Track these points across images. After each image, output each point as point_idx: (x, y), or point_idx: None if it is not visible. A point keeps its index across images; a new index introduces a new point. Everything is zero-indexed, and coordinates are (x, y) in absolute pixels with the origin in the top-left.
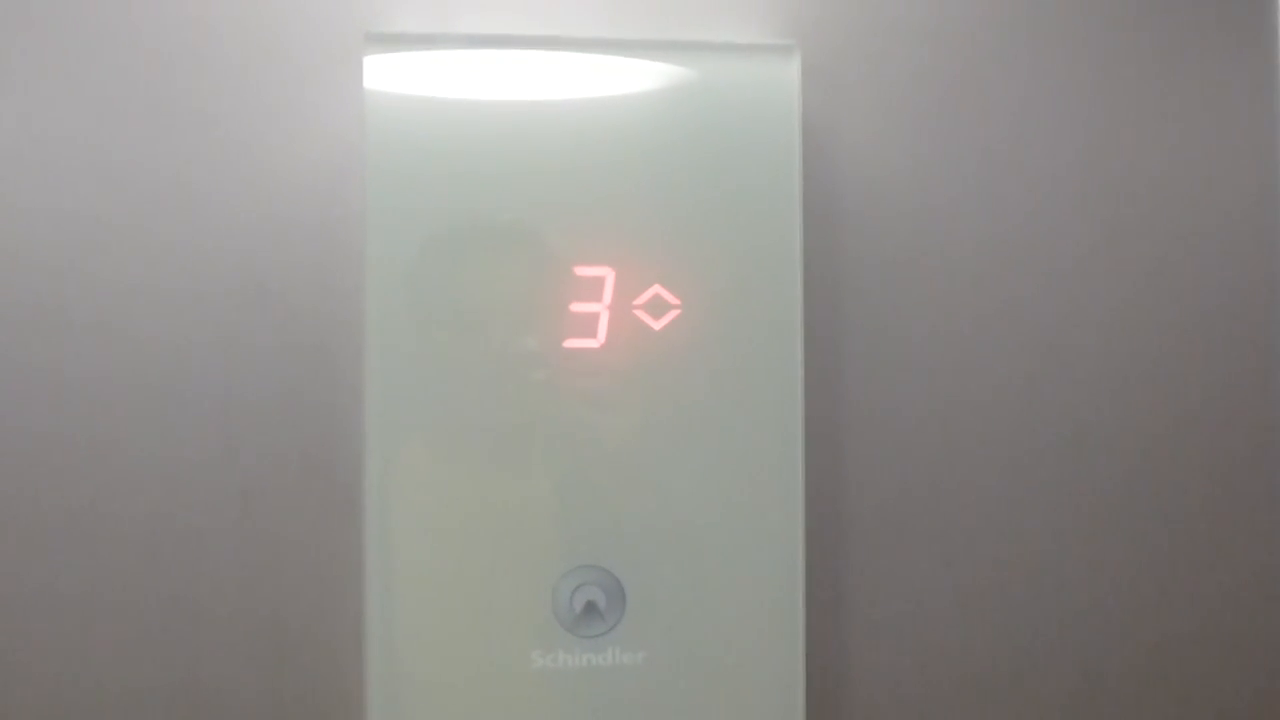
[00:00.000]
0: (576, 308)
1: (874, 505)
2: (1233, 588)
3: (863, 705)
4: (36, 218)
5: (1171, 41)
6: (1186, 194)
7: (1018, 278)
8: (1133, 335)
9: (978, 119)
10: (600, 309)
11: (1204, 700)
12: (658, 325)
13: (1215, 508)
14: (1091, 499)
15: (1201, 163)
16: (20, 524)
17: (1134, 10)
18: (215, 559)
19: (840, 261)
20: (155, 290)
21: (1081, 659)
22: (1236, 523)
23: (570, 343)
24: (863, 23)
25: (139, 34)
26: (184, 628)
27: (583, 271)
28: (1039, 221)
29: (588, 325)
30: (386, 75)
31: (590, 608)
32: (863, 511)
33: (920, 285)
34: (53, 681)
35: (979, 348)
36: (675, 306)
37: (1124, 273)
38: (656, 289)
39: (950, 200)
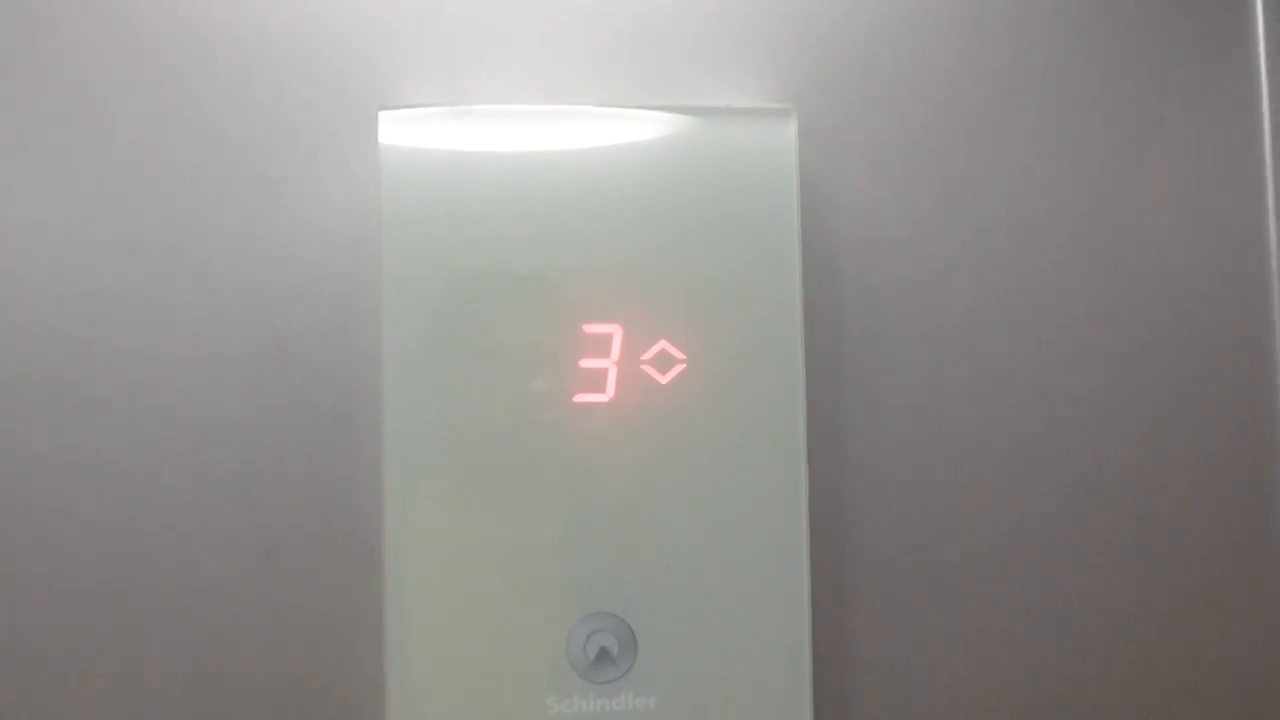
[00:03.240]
0: (586, 364)
1: (880, 552)
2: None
3: None
4: (63, 289)
5: (1168, 93)
6: (1186, 248)
7: (1018, 332)
8: (1140, 364)
9: (973, 176)
10: (609, 364)
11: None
12: (664, 379)
13: (1230, 528)
14: (1105, 531)
15: (1199, 213)
16: (51, 585)
17: (1128, 68)
18: (239, 616)
19: (841, 316)
20: (178, 356)
21: (1094, 693)
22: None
23: (580, 397)
24: (858, 85)
25: (162, 110)
26: (210, 683)
27: (591, 329)
28: (1038, 276)
29: (597, 380)
30: (400, 140)
31: (603, 654)
32: (868, 558)
33: (920, 340)
34: None
35: (983, 402)
36: (681, 361)
37: (1126, 304)
38: (663, 344)
39: (948, 256)
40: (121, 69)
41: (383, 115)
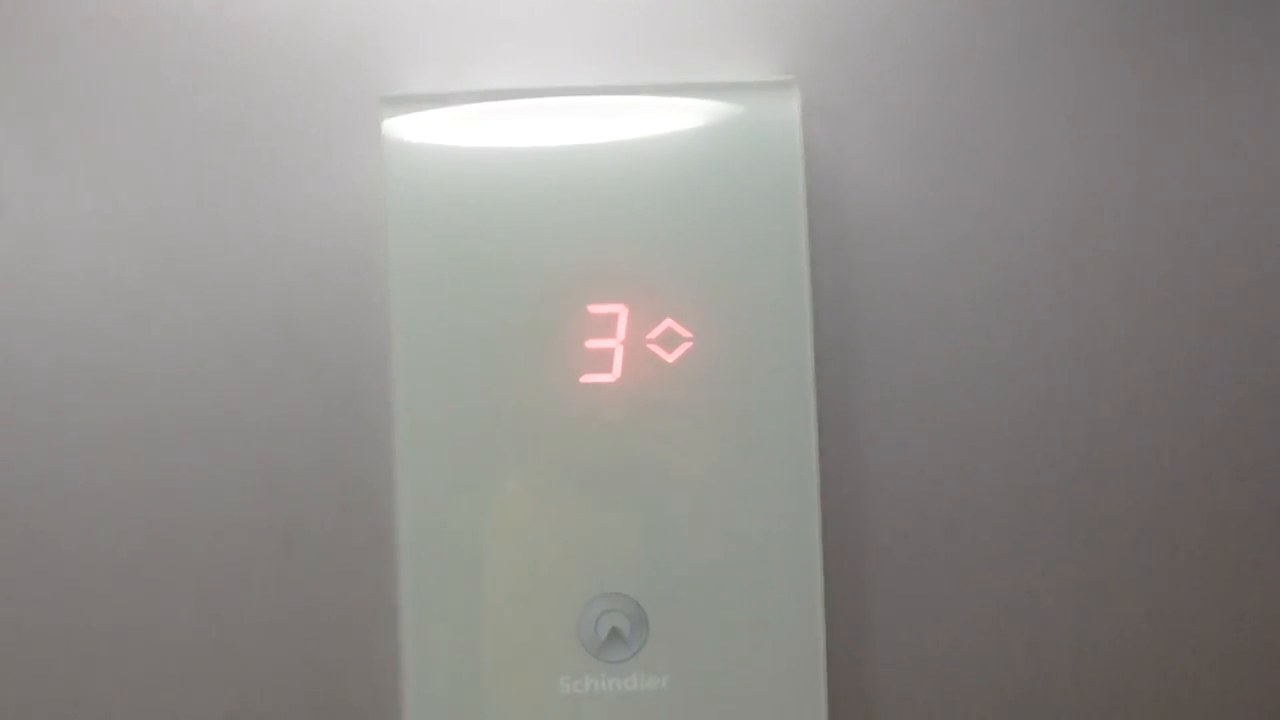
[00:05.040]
0: (592, 344)
1: (892, 528)
2: (1267, 603)
3: None
4: (86, 286)
5: (1175, 57)
6: (1198, 206)
7: (1031, 298)
8: (1154, 348)
9: (985, 148)
10: (615, 344)
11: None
12: (671, 358)
13: (1244, 517)
14: (1118, 517)
15: (1222, 180)
16: (77, 567)
17: (1147, 33)
18: (258, 597)
19: (851, 291)
20: (196, 350)
21: (1110, 679)
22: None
23: (587, 378)
24: (865, 56)
25: (171, 111)
26: (230, 661)
27: (596, 310)
28: (1050, 242)
29: (604, 361)
30: (403, 130)
31: (614, 634)
32: (881, 534)
33: (931, 309)
34: (107, 713)
35: (996, 369)
36: (687, 339)
37: (1140, 287)
38: (668, 323)
39: (960, 231)
40: (132, 75)
41: (385, 105)
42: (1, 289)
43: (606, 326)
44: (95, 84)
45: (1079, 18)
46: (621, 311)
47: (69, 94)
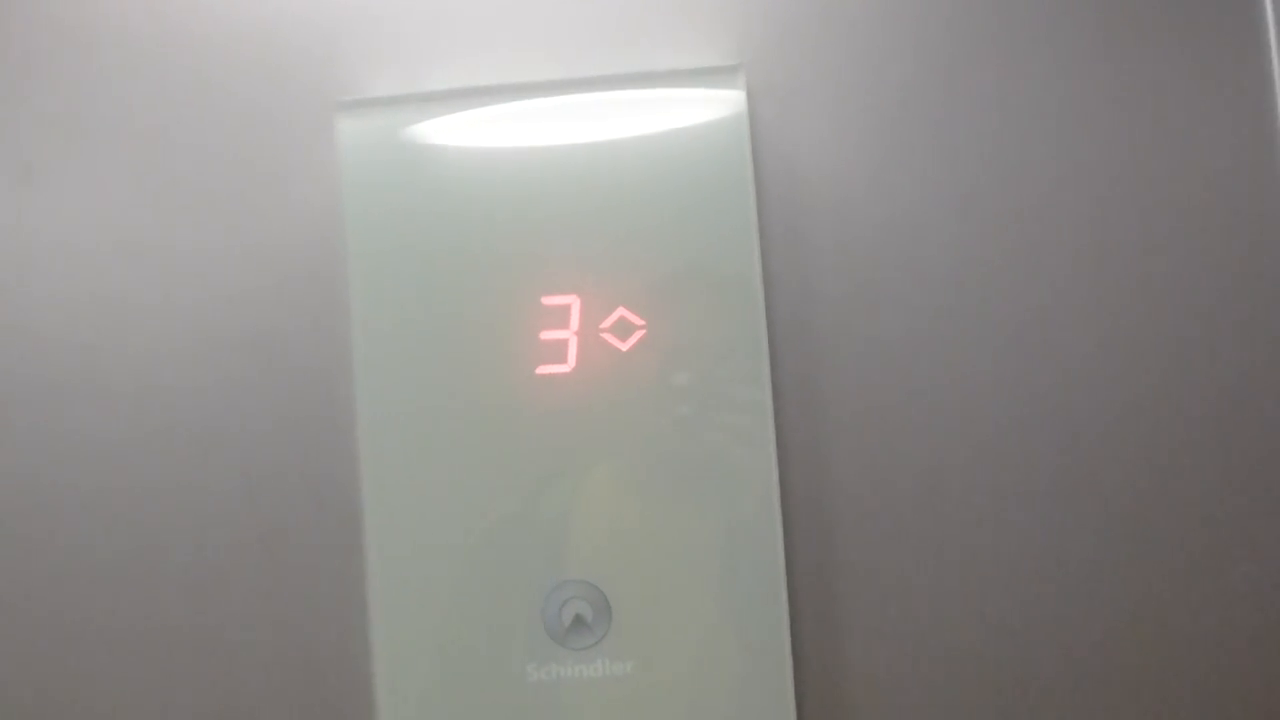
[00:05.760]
0: (546, 335)
1: (854, 511)
2: (1244, 587)
3: (853, 708)
4: (65, 296)
5: (1140, 31)
6: (1158, 182)
7: (989, 278)
8: (1121, 327)
9: (934, 122)
10: (569, 335)
11: (1211, 700)
12: (625, 346)
13: (1228, 507)
14: (1089, 495)
15: (1179, 156)
16: (67, 569)
17: (1097, 4)
18: (239, 596)
19: (804, 270)
20: (171, 356)
21: (1079, 658)
22: (1246, 521)
23: (543, 369)
24: (810, 37)
25: (145, 129)
26: (211, 656)
27: (550, 300)
28: (1006, 221)
29: (558, 351)
30: (357, 133)
31: (578, 621)
32: (843, 519)
33: (886, 291)
34: (94, 708)
35: (955, 351)
36: (640, 327)
37: (1106, 266)
38: (621, 311)
39: (916, 213)
40: (102, 91)
41: (340, 109)
42: None
43: (560, 318)
44: (68, 101)
45: None
46: (574, 302)
47: (43, 112)
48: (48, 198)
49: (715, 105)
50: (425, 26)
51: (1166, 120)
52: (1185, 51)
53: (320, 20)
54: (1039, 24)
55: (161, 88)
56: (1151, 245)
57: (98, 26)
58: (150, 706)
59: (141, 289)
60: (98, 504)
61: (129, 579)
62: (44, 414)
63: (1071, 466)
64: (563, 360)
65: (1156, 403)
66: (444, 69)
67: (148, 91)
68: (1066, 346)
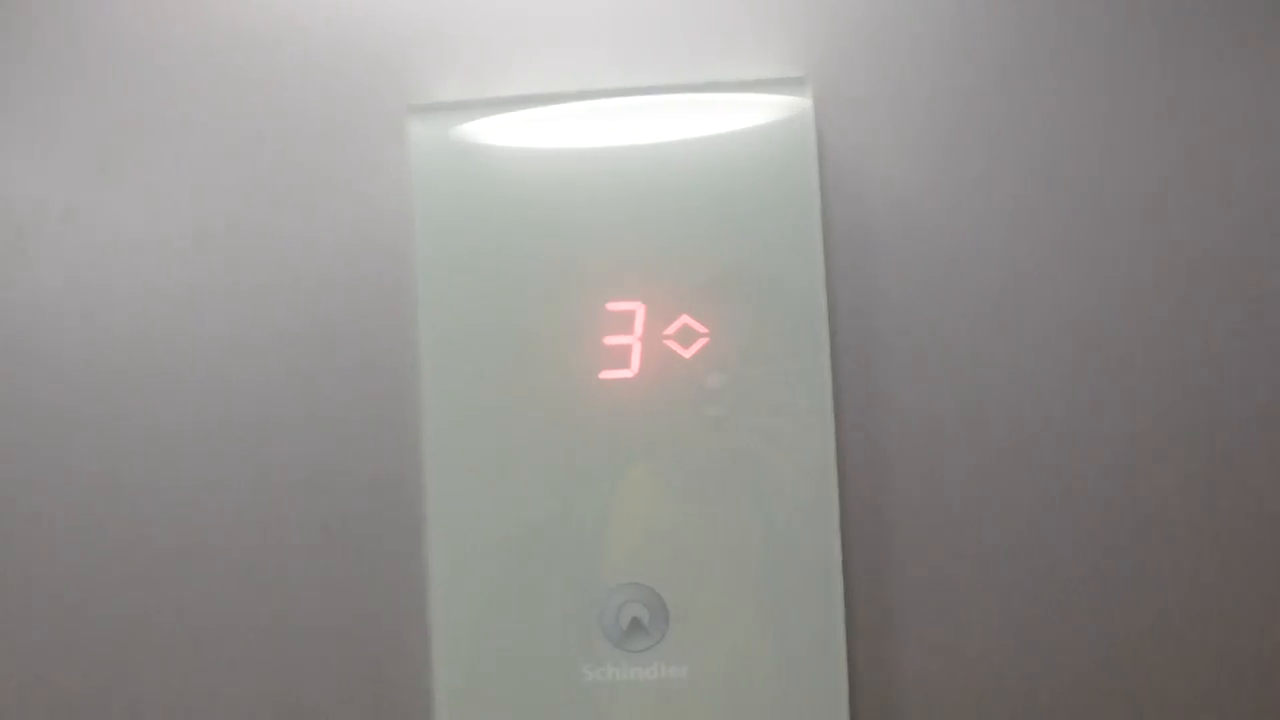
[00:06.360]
0: (611, 340)
1: (913, 520)
2: None
3: (906, 711)
4: (143, 290)
5: (1203, 45)
6: (1225, 198)
7: (1053, 290)
8: (1181, 342)
9: (999, 132)
10: (633, 341)
11: (1272, 712)
12: (688, 353)
13: (1273, 511)
14: (1145, 511)
15: (1241, 167)
16: (132, 559)
17: (1161, 20)
18: (301, 586)
19: (867, 279)
20: (242, 348)
21: (1136, 677)
22: None
23: (606, 374)
24: (877, 48)
25: (215, 123)
26: (271, 648)
27: (615, 306)
28: (1071, 233)
29: (622, 356)
30: (429, 137)
31: (635, 624)
32: (901, 526)
33: (948, 296)
34: (159, 699)
35: (1018, 363)
36: (704, 335)
37: (1166, 279)
38: (685, 319)
39: (976, 215)
40: (179, 92)
41: (412, 113)
42: (69, 292)
43: (624, 323)
44: (143, 101)
45: (1102, 5)
46: (639, 308)
47: (119, 111)
48: (122, 195)
49: (781, 115)
50: (495, 33)
51: (1224, 131)
52: (1243, 62)
53: (393, 25)
54: (1099, 35)
55: (235, 89)
56: (1208, 255)
57: (174, 30)
58: (212, 700)
59: (211, 285)
60: (164, 495)
61: (192, 571)
62: (114, 406)
63: (1130, 477)
64: (626, 366)
65: (1215, 412)
66: (513, 75)
67: (221, 92)
68: (1128, 356)
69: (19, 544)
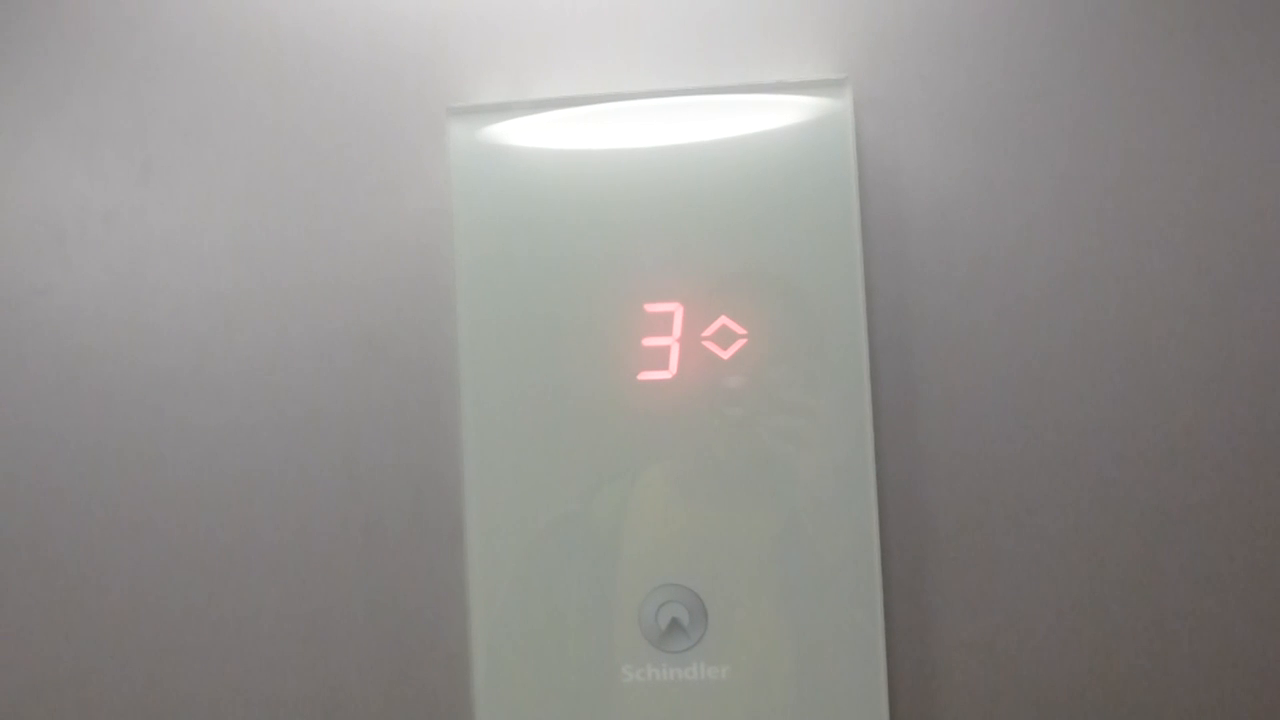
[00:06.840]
0: (649, 342)
1: (952, 520)
2: None
3: (946, 709)
4: (186, 290)
5: (1238, 47)
6: (1263, 195)
7: (1091, 290)
8: (1220, 339)
9: (1037, 134)
10: (671, 342)
11: None
12: (726, 355)
13: None
14: (1186, 509)
15: (1268, 165)
16: (175, 556)
17: (1196, 20)
18: (342, 584)
19: (906, 280)
20: (284, 349)
21: (1178, 681)
22: None
23: (645, 375)
24: (915, 49)
25: (260, 132)
26: (313, 642)
27: (653, 308)
28: (1109, 232)
29: (660, 358)
30: (468, 139)
31: (674, 624)
32: (940, 527)
33: (987, 301)
34: (201, 691)
35: (1054, 355)
36: (742, 336)
37: (1204, 276)
38: (723, 320)
39: (1014, 216)
40: (222, 95)
41: (451, 115)
42: (110, 294)
43: (663, 325)
44: (186, 103)
45: (1139, 5)
46: (677, 310)
47: (162, 113)
48: (165, 196)
49: (821, 117)
50: (535, 36)
51: (1258, 132)
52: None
53: (433, 28)
54: (1137, 38)
55: (276, 92)
56: (1244, 252)
57: (216, 32)
58: (252, 696)
59: (253, 285)
60: (205, 495)
61: (234, 570)
62: (156, 407)
63: (1171, 474)
64: (664, 367)
65: (1255, 408)
66: (553, 77)
67: (263, 95)
68: (1168, 358)
69: (63, 542)
